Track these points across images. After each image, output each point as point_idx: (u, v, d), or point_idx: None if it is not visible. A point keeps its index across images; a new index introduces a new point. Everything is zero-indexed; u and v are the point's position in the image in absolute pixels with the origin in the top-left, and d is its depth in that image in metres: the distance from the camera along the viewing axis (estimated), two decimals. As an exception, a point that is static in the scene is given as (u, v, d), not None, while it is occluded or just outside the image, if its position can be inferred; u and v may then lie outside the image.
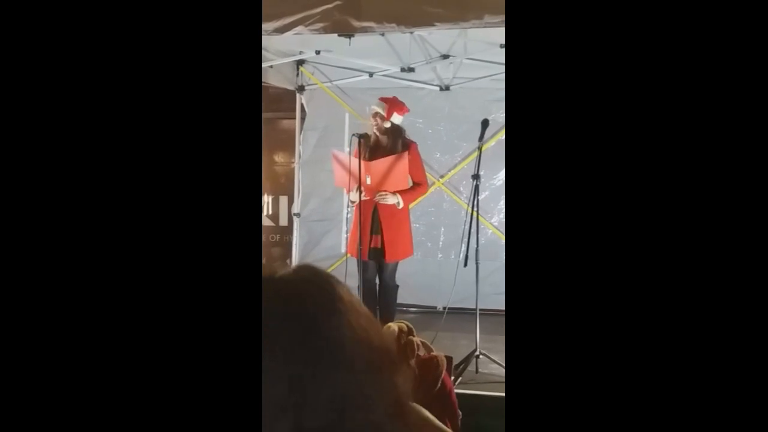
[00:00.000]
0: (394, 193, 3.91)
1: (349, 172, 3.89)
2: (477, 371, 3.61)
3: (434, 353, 2.74)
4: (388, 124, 3.99)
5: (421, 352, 2.75)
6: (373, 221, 3.93)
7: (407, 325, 2.79)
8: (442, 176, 5.54)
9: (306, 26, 3.20)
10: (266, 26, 3.19)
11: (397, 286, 4.12)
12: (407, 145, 4.01)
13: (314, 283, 0.70)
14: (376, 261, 4.00)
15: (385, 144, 3.97)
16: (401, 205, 3.94)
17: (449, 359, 2.75)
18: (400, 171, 3.87)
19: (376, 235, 3.93)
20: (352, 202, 4.04)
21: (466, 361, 3.66)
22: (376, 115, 3.99)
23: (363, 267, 3.98)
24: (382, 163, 3.85)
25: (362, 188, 3.87)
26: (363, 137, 3.96)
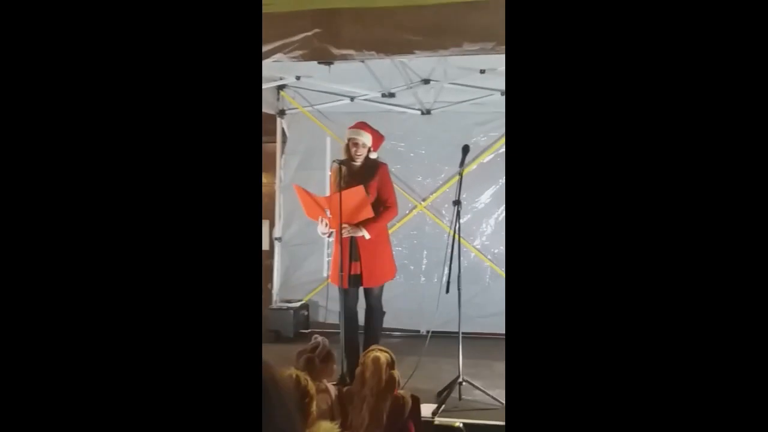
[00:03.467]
0: (357, 224, 3.84)
1: (315, 205, 3.86)
2: (460, 398, 3.58)
3: (402, 392, 2.71)
4: (374, 155, 3.96)
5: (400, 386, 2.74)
6: (352, 248, 3.89)
7: (391, 356, 2.76)
8: (424, 199, 5.54)
9: (285, 54, 3.20)
10: (245, 54, 3.19)
11: (384, 312, 4.09)
12: (378, 167, 3.96)
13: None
14: (356, 287, 3.96)
15: (362, 169, 3.94)
16: (368, 236, 3.86)
17: (415, 399, 2.71)
18: (360, 203, 3.77)
19: (356, 262, 3.89)
20: (323, 234, 3.99)
21: (450, 387, 3.63)
22: (359, 144, 3.91)
23: (344, 294, 3.94)
24: (337, 197, 3.75)
25: (326, 221, 3.84)
26: (343, 163, 3.93)
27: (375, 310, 4.02)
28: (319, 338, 2.92)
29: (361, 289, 3.99)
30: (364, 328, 4.04)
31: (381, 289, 4.02)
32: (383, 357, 2.71)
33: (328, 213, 3.83)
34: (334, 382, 3.09)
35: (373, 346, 2.89)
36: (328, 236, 4.01)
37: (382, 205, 3.94)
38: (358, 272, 3.89)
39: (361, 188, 3.74)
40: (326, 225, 3.86)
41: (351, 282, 3.89)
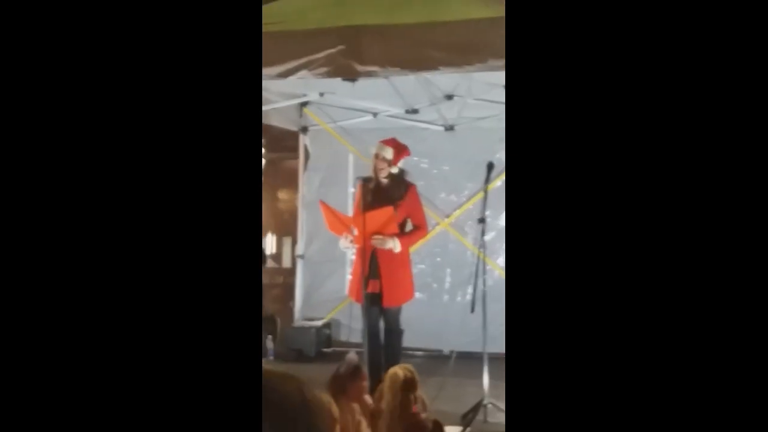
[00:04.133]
0: (391, 236, 3.79)
1: (339, 221, 3.83)
2: (485, 420, 3.50)
3: (425, 416, 2.64)
4: (395, 170, 3.91)
5: (423, 409, 2.67)
6: (371, 266, 3.82)
7: (412, 373, 2.69)
8: (447, 216, 5.49)
9: (309, 71, 3.19)
10: (270, 71, 3.18)
11: (402, 330, 4.02)
12: (407, 188, 3.93)
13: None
14: (374, 306, 3.89)
15: (388, 188, 3.89)
16: (398, 249, 3.82)
17: (437, 424, 2.64)
18: (386, 222, 3.72)
19: (375, 280, 3.82)
20: (346, 248, 3.95)
21: (475, 410, 3.55)
22: (379, 158, 3.89)
23: (367, 311, 3.88)
24: (362, 217, 3.71)
25: (350, 237, 3.80)
26: (367, 180, 3.89)
27: (393, 331, 3.96)
28: (350, 355, 2.85)
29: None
30: (384, 348, 3.97)
31: (399, 308, 3.96)
32: (401, 373, 2.66)
33: (355, 231, 3.79)
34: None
35: (395, 370, 2.84)
36: (350, 248, 3.97)
37: (412, 225, 3.90)
38: (377, 290, 3.83)
39: (390, 209, 3.69)
40: (350, 241, 3.82)
41: (369, 300, 3.83)
